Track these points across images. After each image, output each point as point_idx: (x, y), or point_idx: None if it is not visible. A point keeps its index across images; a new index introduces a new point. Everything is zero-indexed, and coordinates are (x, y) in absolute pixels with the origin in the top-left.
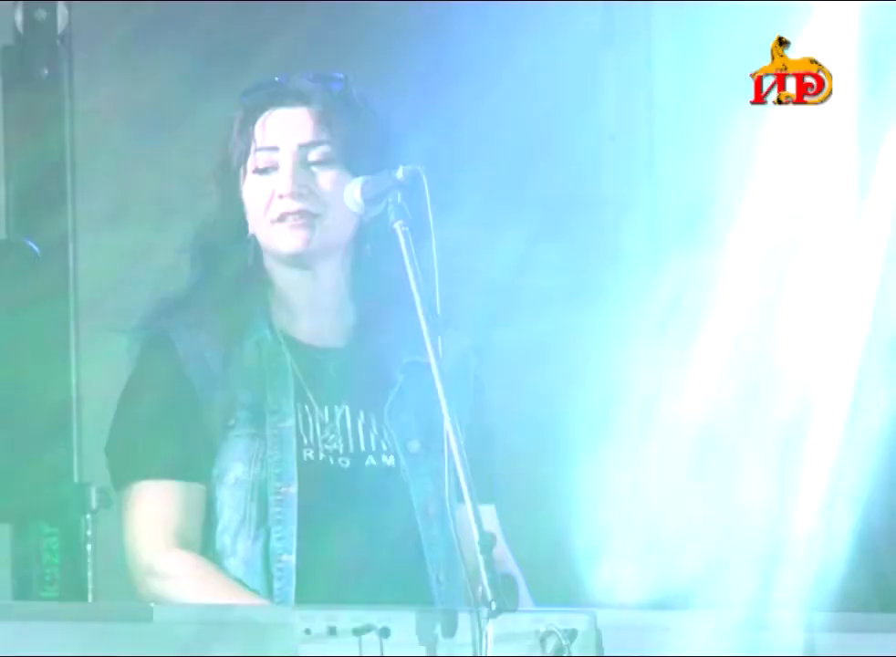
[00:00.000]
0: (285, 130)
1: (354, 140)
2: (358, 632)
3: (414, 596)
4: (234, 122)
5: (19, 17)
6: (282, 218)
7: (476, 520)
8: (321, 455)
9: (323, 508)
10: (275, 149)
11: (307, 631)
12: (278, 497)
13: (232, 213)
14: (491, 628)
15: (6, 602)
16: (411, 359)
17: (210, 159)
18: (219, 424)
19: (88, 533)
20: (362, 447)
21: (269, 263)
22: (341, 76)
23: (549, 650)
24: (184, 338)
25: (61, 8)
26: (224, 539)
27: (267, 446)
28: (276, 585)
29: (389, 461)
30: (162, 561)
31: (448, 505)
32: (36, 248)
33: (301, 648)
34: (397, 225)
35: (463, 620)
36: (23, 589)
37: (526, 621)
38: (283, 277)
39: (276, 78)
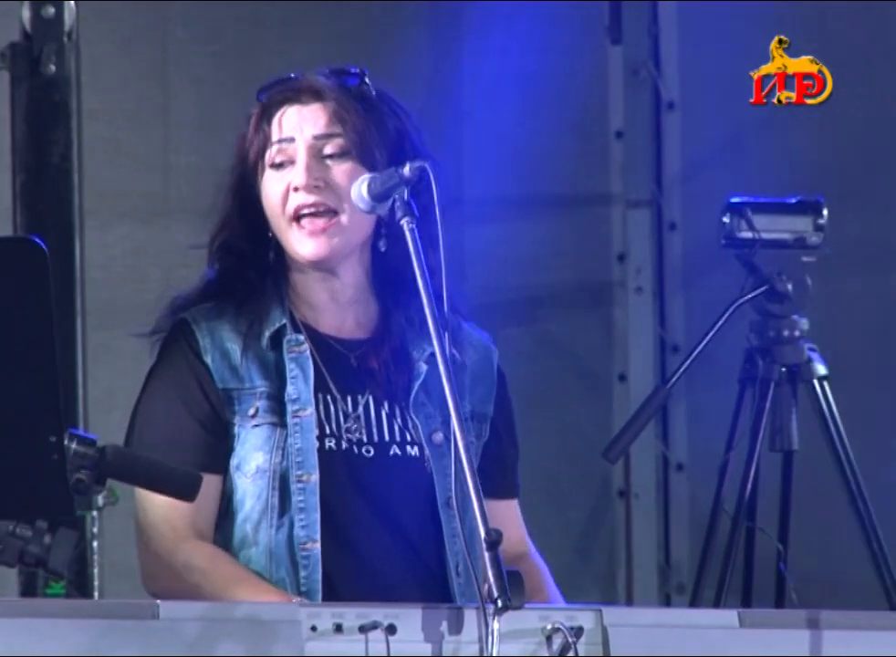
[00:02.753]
0: (300, 123)
1: (368, 134)
2: (364, 629)
3: (433, 587)
4: (251, 119)
5: (27, 14)
6: (298, 214)
7: (482, 517)
8: (344, 445)
9: (345, 497)
10: (290, 140)
11: (314, 628)
12: (300, 486)
13: (249, 210)
14: (497, 625)
15: (12, 599)
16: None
17: (218, 156)
18: (240, 414)
19: (95, 530)
20: (386, 437)
21: (290, 261)
22: (356, 71)
23: (555, 647)
24: (204, 329)
25: (69, 5)
26: (245, 529)
27: (288, 435)
28: (302, 573)
29: (413, 451)
30: (179, 552)
31: (455, 501)
32: (43, 245)
33: (307, 645)
34: (403, 222)
35: (470, 617)
36: (29, 586)
37: (533, 619)
38: (304, 275)
39: (292, 75)
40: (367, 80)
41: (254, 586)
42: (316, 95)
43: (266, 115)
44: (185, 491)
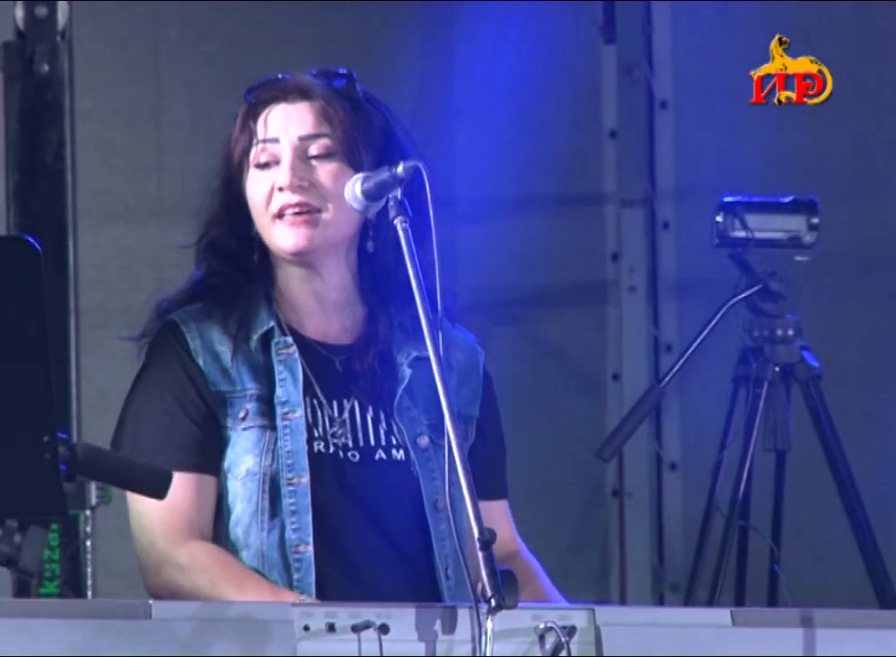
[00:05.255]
0: (286, 123)
1: (355, 134)
2: (357, 629)
3: (423, 591)
4: (237, 119)
5: (20, 14)
6: (282, 213)
7: (476, 517)
8: (331, 449)
9: (334, 500)
10: (275, 141)
11: (306, 628)
12: (291, 488)
13: (235, 210)
14: (490, 624)
15: (5, 599)
16: (420, 355)
17: (211, 156)
18: (232, 417)
19: (88, 530)
20: (371, 441)
21: (274, 260)
22: (344, 72)
23: (548, 646)
24: (194, 331)
25: (62, 5)
26: (236, 532)
27: (278, 437)
28: (295, 576)
29: (398, 455)
30: (181, 552)
31: (448, 502)
32: (36, 245)
33: (300, 644)
34: (397, 222)
35: (463, 616)
36: (23, 586)
37: (526, 618)
38: (288, 275)
39: (280, 76)
40: (354, 81)
41: (258, 587)
42: (303, 94)
43: (253, 114)
44: (157, 489)
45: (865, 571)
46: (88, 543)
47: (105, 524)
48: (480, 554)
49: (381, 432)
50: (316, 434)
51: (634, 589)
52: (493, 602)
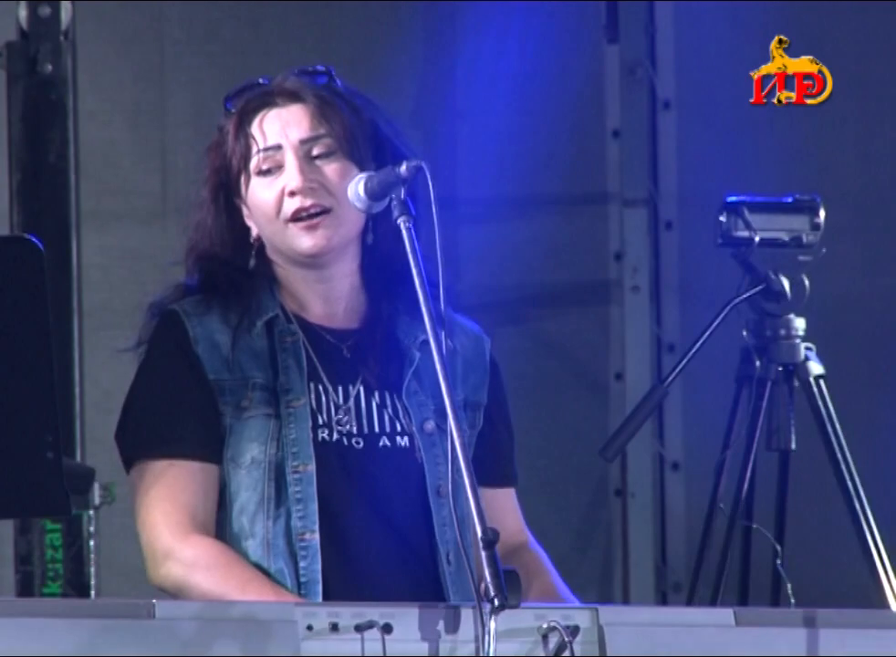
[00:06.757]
0: (283, 128)
1: (351, 129)
2: (360, 629)
3: (424, 576)
4: (228, 129)
5: (24, 14)
6: (296, 216)
7: (478, 515)
8: (335, 436)
9: (339, 488)
10: (277, 147)
11: (309, 627)
12: (297, 476)
13: (229, 219)
14: (494, 624)
15: (9, 598)
16: (427, 338)
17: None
18: (232, 406)
19: (91, 529)
20: (376, 428)
21: (277, 263)
22: (323, 68)
23: (552, 646)
24: (194, 321)
25: (65, 5)
26: (241, 521)
27: (283, 425)
28: (301, 564)
29: (402, 442)
30: (185, 547)
31: (451, 488)
32: (39, 244)
33: (303, 644)
34: (401, 221)
35: (466, 616)
36: (25, 586)
37: (529, 618)
38: (293, 274)
39: (260, 81)
40: (334, 77)
41: (261, 588)
42: (293, 96)
43: (245, 122)
44: (78, 487)
45: (868, 571)
46: (92, 543)
47: (108, 523)
48: (483, 553)
49: (386, 418)
50: (320, 421)
51: (637, 588)
52: (496, 602)
